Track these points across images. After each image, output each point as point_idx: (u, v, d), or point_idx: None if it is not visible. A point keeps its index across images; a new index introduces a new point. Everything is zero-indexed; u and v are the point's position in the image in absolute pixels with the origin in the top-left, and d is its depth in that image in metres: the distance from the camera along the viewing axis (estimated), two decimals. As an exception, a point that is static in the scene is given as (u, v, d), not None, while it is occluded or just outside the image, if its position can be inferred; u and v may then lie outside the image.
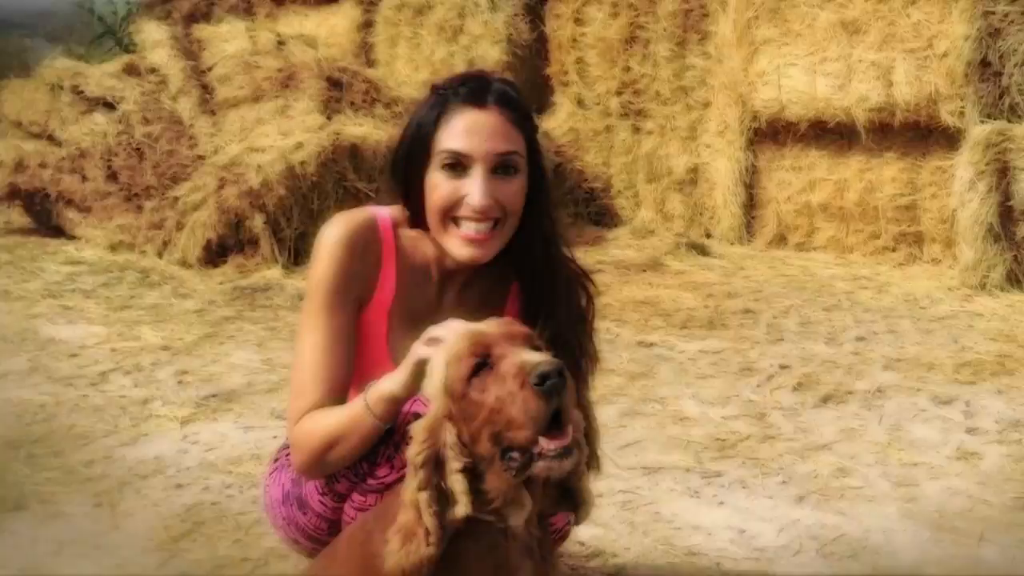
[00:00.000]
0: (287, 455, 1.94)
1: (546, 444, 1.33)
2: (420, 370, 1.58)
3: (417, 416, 1.67)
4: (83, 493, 2.70)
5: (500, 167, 1.76)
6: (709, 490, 2.86)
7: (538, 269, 1.86)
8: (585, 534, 2.48)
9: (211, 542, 2.44)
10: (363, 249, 1.83)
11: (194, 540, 2.45)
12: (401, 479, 1.70)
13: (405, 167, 1.82)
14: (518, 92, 1.83)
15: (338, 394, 1.76)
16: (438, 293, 1.90)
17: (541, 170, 1.84)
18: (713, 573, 2.38)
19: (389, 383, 1.64)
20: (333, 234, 1.82)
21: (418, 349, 1.59)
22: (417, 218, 1.84)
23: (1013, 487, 2.94)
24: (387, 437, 1.72)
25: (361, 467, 1.76)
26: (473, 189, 1.74)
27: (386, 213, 1.89)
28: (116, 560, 2.33)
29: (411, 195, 1.83)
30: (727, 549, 2.50)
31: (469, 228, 1.76)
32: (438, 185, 1.76)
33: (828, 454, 3.18)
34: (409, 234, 1.88)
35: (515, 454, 1.36)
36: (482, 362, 1.39)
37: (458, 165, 1.75)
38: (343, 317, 1.80)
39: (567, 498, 1.50)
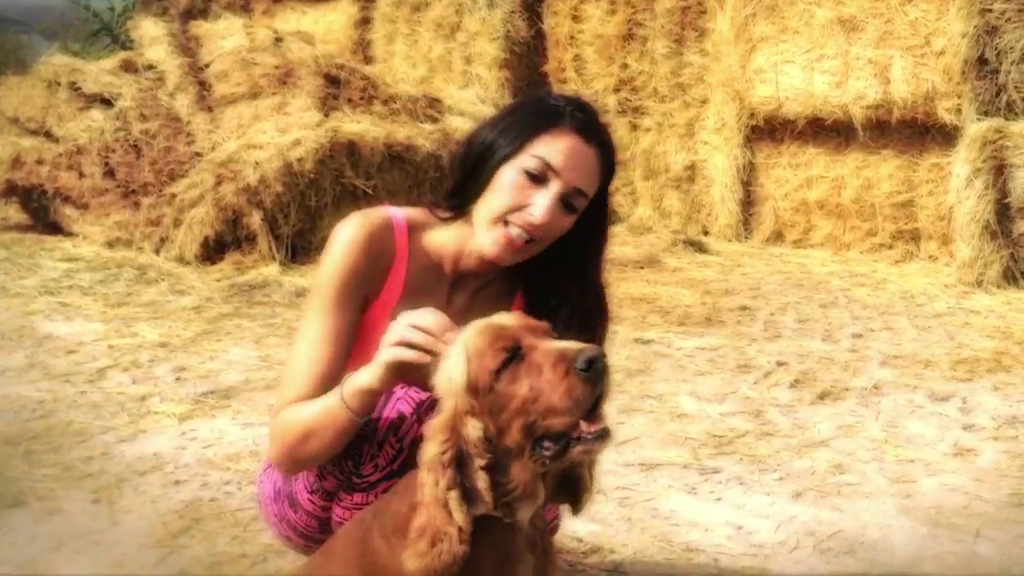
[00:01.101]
0: (280, 452, 1.94)
1: (586, 428, 1.35)
2: (396, 366, 1.57)
3: (415, 414, 1.68)
4: (81, 489, 2.70)
5: (568, 200, 1.79)
6: (706, 486, 2.87)
7: (575, 294, 1.90)
8: (583, 530, 2.49)
9: (209, 538, 2.44)
10: (377, 250, 1.82)
11: (192, 536, 2.45)
12: (386, 479, 1.70)
13: (487, 147, 1.82)
14: (612, 135, 1.89)
15: (327, 390, 1.75)
16: (449, 295, 1.90)
17: (607, 211, 1.89)
18: (710, 569, 2.39)
19: (366, 376, 1.62)
20: (349, 233, 1.81)
21: (388, 350, 1.57)
22: (463, 200, 1.84)
23: (1009, 483, 2.94)
24: (371, 436, 1.71)
25: (346, 465, 1.76)
26: (540, 204, 1.76)
27: (402, 215, 1.88)
28: (114, 556, 2.33)
29: (476, 175, 1.82)
30: (724, 545, 2.50)
31: (514, 232, 1.78)
32: (511, 184, 1.77)
33: (825, 451, 3.18)
34: (426, 234, 1.88)
35: (548, 443, 1.37)
36: (511, 355, 1.39)
37: (539, 176, 1.77)
38: (345, 316, 1.79)
39: (566, 489, 1.51)
